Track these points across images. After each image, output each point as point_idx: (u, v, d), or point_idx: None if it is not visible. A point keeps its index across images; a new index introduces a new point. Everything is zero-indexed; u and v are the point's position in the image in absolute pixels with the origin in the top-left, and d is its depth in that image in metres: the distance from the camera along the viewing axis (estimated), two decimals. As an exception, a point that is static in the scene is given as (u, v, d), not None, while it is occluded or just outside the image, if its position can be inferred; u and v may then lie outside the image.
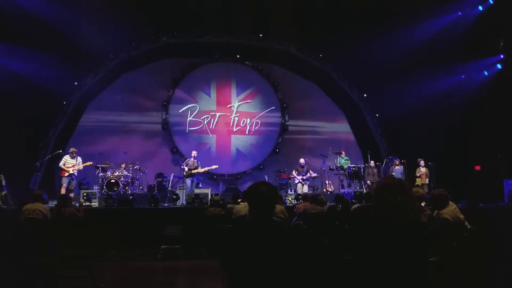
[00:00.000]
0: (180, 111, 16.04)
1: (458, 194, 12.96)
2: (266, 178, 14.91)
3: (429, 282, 2.62)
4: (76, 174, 12.14)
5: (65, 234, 6.25)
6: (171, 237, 9.29)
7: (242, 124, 16.50)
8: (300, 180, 13.62)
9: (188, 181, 13.29)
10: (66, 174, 11.81)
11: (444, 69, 14.31)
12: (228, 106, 16.47)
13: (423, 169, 13.19)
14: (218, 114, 16.33)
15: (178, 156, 15.74)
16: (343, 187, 14.56)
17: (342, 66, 16.30)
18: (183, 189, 13.15)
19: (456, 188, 13.25)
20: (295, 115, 16.95)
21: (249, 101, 16.66)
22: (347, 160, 14.80)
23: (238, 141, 16.48)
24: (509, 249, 4.09)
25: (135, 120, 15.65)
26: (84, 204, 10.47)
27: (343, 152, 15.03)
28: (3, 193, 11.13)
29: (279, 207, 7.39)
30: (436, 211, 5.50)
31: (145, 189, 13.78)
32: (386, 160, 15.23)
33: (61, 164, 11.91)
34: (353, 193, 12.81)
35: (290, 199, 13.14)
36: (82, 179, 13.62)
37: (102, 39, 13.56)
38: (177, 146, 15.79)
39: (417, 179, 13.16)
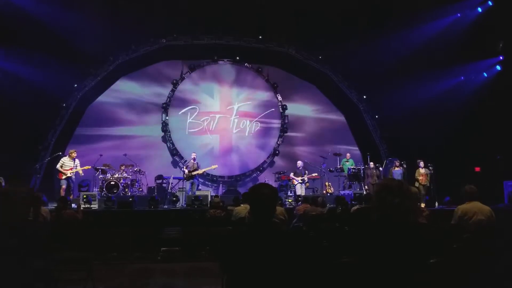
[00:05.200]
0: (179, 113, 16.04)
1: (457, 195, 12.98)
2: (266, 180, 14.92)
3: (430, 283, 2.62)
4: (74, 176, 12.08)
5: (65, 236, 6.23)
6: (171, 239, 9.28)
7: (242, 125, 16.50)
8: (300, 181, 13.66)
9: (188, 183, 13.31)
10: (64, 176, 11.73)
11: (443, 70, 14.33)
12: (227, 108, 16.47)
13: (422, 171, 13.19)
14: (217, 116, 16.33)
15: (178, 158, 15.74)
16: (343, 188, 14.58)
17: (341, 67, 16.34)
18: (183, 191, 13.16)
19: (456, 189, 13.26)
20: (295, 116, 16.95)
21: (248, 102, 16.66)
22: (348, 161, 14.83)
23: (237, 143, 16.48)
24: (509, 250, 4.09)
25: (134, 122, 15.65)
26: (83, 206, 10.47)
27: (348, 154, 15.11)
28: (2, 195, 11.08)
29: (279, 209, 7.40)
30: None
31: (145, 191, 13.78)
32: (386, 162, 15.24)
33: (58, 166, 11.78)
34: (353, 195, 12.83)
35: (289, 200, 13.16)
36: (82, 181, 13.60)
37: (101, 42, 13.61)
38: (177, 148, 15.78)
39: (416, 181, 13.15)
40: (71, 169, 11.82)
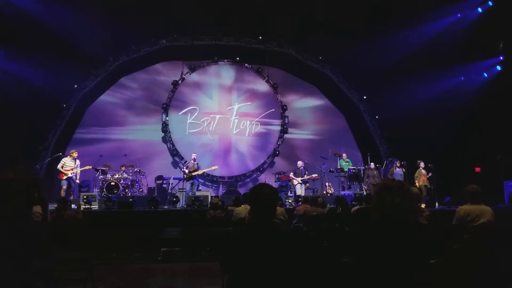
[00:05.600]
0: (179, 113, 16.05)
1: (457, 195, 12.98)
2: (266, 180, 14.91)
3: (429, 283, 2.62)
4: (75, 176, 12.10)
5: (65, 236, 6.23)
6: (171, 240, 9.28)
7: (242, 126, 16.50)
8: (300, 181, 13.66)
9: (188, 183, 13.31)
10: (64, 177, 11.74)
11: (443, 70, 14.33)
12: (228, 108, 16.48)
13: (423, 171, 13.19)
14: (218, 117, 16.33)
15: (178, 159, 15.74)
16: (343, 189, 14.57)
17: (341, 68, 16.36)
18: (183, 191, 13.16)
19: (456, 189, 13.25)
20: (295, 117, 16.96)
21: (248, 103, 16.67)
22: (347, 162, 14.83)
23: (238, 143, 16.48)
24: (510, 250, 4.08)
25: (134, 123, 15.64)
26: (83, 206, 10.47)
27: (344, 154, 15.07)
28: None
29: (279, 209, 7.39)
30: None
31: (145, 192, 13.78)
32: (386, 162, 15.25)
33: (59, 166, 11.79)
34: (353, 195, 12.83)
35: (290, 201, 13.15)
36: (82, 181, 13.60)
37: (101, 42, 13.61)
38: (177, 148, 15.77)
39: (416, 181, 13.15)
40: (72, 169, 11.84)
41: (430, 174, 13.19)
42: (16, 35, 12.22)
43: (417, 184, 12.86)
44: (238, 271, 2.64)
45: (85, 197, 11.40)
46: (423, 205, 10.77)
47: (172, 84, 16.01)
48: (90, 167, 12.65)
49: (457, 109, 14.19)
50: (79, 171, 12.07)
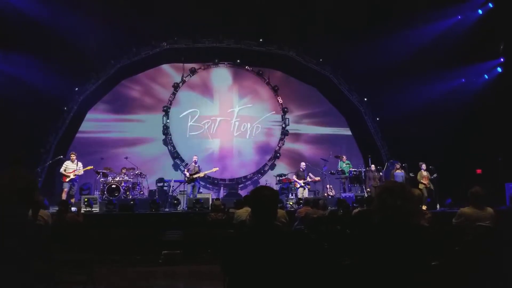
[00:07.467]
0: (180, 116, 16.03)
1: (459, 197, 12.95)
2: (266, 182, 14.90)
3: (430, 284, 2.62)
4: (77, 179, 12.17)
5: (66, 239, 6.24)
6: (172, 242, 9.28)
7: (243, 128, 16.47)
8: (302, 184, 13.63)
9: (189, 186, 13.32)
10: (67, 179, 11.83)
11: (444, 72, 14.32)
12: (228, 111, 16.46)
13: (424, 173, 13.17)
14: (218, 119, 16.31)
15: (179, 161, 15.74)
16: (344, 191, 14.56)
17: (341, 69, 16.34)
18: (184, 194, 13.16)
19: (457, 191, 13.23)
20: (296, 119, 16.95)
21: (249, 105, 16.65)
22: (348, 164, 14.81)
23: (238, 146, 16.46)
24: (510, 252, 4.07)
25: (135, 125, 15.64)
26: (84, 209, 10.49)
27: (344, 156, 15.05)
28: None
29: (280, 212, 7.38)
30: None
31: (146, 194, 13.76)
32: (387, 164, 15.21)
33: (61, 170, 11.97)
34: (354, 197, 12.82)
35: (291, 203, 13.14)
36: (83, 184, 13.62)
37: (102, 45, 13.64)
38: (178, 151, 15.77)
39: (418, 183, 13.13)
40: (74, 171, 11.93)
41: (435, 175, 13.18)
42: (17, 37, 12.24)
43: (422, 185, 12.89)
44: (239, 273, 2.64)
45: (86, 199, 11.42)
46: (424, 207, 10.75)
47: (172, 86, 16.01)
48: (92, 167, 12.69)
49: (458, 111, 14.18)
50: (81, 172, 12.13)
